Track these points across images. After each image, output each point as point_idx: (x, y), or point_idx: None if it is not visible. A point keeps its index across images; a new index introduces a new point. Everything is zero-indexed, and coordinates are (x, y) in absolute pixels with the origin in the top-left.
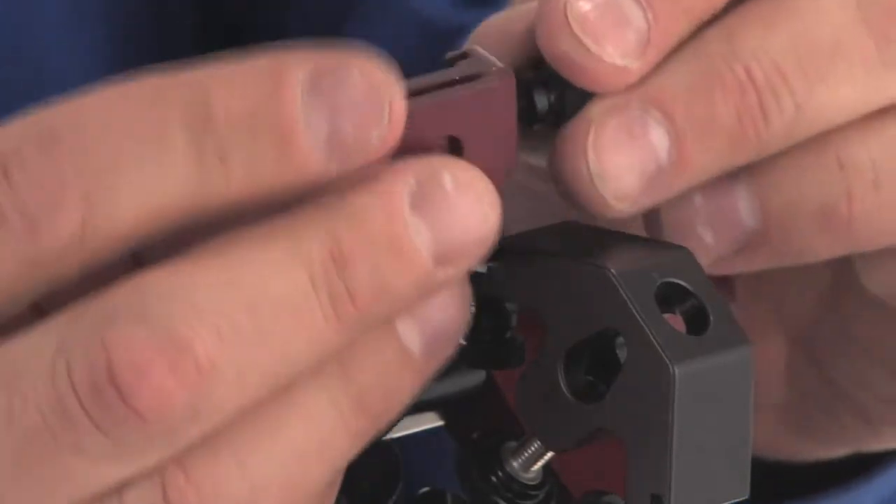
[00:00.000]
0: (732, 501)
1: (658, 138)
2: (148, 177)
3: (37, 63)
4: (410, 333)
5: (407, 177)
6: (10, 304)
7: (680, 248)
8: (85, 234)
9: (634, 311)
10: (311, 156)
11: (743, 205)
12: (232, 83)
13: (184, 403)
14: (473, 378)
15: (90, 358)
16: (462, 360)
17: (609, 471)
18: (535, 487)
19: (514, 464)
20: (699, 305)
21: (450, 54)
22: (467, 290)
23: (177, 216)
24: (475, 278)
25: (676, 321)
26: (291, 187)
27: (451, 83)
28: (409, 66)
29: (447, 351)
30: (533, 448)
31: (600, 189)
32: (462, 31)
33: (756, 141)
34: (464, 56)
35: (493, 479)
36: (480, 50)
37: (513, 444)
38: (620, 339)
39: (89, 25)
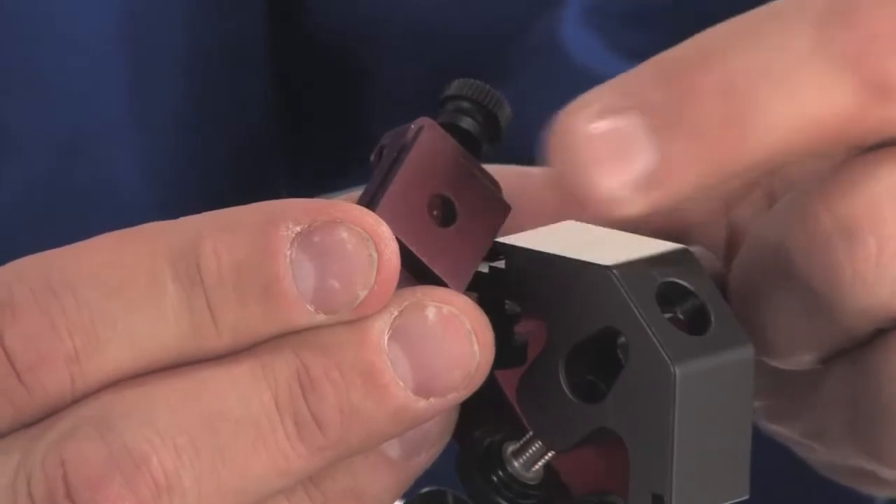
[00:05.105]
0: (733, 501)
1: (640, 142)
2: (138, 331)
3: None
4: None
5: (389, 306)
6: None
7: (681, 247)
8: (74, 388)
9: (636, 310)
10: (297, 311)
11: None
12: (222, 235)
13: None
14: None
15: (47, 472)
16: None
17: (610, 470)
18: (536, 487)
19: (516, 463)
20: (700, 305)
21: (372, 158)
22: None
23: (165, 362)
24: (478, 278)
25: (677, 321)
26: (278, 334)
27: (393, 163)
28: None
29: (433, 451)
30: (534, 448)
31: (596, 196)
32: None
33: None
34: (381, 149)
35: (495, 478)
36: (390, 133)
37: (514, 443)
38: (622, 339)
39: None
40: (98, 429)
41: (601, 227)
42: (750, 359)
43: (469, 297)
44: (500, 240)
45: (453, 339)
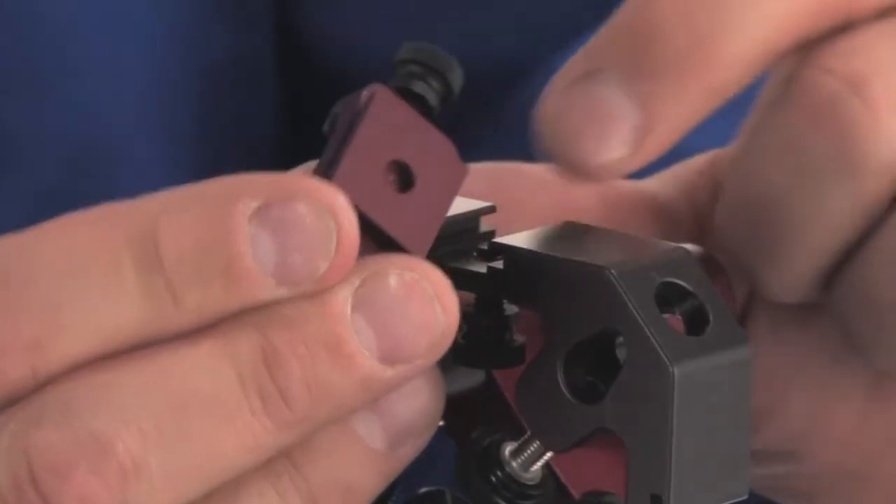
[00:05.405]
0: (732, 501)
1: (619, 98)
2: (99, 316)
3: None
4: (370, 429)
5: (351, 276)
6: None
7: (680, 248)
8: (37, 375)
9: (634, 311)
10: (259, 286)
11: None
12: (179, 215)
13: None
14: (473, 378)
15: (12, 461)
16: (462, 360)
17: (609, 471)
18: (534, 487)
19: (514, 464)
20: (698, 305)
21: (325, 128)
22: (437, 379)
23: (128, 344)
24: (475, 278)
25: (676, 321)
26: (241, 310)
27: (347, 131)
28: None
29: (419, 442)
30: (533, 448)
31: (593, 167)
32: None
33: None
34: (334, 117)
35: (493, 479)
36: (342, 101)
37: (513, 444)
38: (620, 340)
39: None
40: (62, 415)
41: (600, 227)
42: (748, 357)
43: (462, 294)
44: (499, 240)
45: (417, 306)
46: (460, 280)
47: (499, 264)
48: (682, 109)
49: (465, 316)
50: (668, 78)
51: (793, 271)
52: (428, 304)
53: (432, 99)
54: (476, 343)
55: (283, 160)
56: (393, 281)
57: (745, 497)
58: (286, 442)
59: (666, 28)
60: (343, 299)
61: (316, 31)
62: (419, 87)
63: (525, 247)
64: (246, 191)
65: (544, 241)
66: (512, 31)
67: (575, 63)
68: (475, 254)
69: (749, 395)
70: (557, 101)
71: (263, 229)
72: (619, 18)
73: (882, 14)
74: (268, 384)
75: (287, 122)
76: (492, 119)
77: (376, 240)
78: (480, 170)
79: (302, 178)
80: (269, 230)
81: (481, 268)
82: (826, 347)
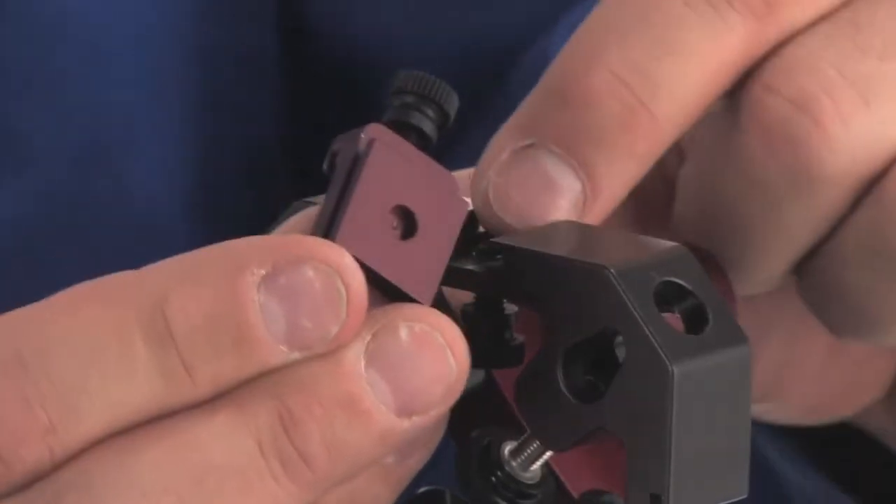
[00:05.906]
0: (731, 501)
1: (562, 173)
2: (114, 394)
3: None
4: None
5: (361, 331)
6: None
7: (679, 247)
8: (54, 457)
9: (633, 310)
10: (272, 353)
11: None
12: (187, 287)
13: None
14: (473, 378)
15: None
16: None
17: (608, 470)
18: (534, 487)
19: (514, 463)
20: (698, 304)
21: (325, 167)
22: None
23: (144, 419)
24: (475, 278)
25: (675, 320)
26: (255, 377)
27: (348, 179)
28: None
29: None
30: (532, 447)
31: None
32: None
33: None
34: (333, 156)
35: (493, 478)
36: (341, 137)
37: (512, 443)
38: (620, 339)
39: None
40: (81, 496)
41: (599, 226)
42: (748, 356)
43: (461, 294)
44: (498, 239)
45: (429, 357)
46: (460, 280)
47: (498, 264)
48: (623, 174)
49: (465, 316)
50: (606, 146)
51: (756, 275)
52: (440, 354)
53: (429, 129)
54: (476, 343)
55: (284, 159)
56: (404, 334)
57: (745, 496)
58: (308, 500)
59: (599, 96)
60: (355, 356)
61: (320, 27)
62: (415, 119)
63: (524, 246)
64: (252, 258)
65: (544, 241)
66: (513, 22)
67: (513, 132)
68: (475, 253)
69: (749, 395)
70: (500, 172)
71: (272, 297)
72: (550, 86)
73: (812, 23)
74: (287, 448)
75: (288, 120)
76: (481, 114)
77: (383, 290)
78: (465, 177)
79: (307, 241)
80: (278, 297)
81: (481, 267)
82: (794, 301)
